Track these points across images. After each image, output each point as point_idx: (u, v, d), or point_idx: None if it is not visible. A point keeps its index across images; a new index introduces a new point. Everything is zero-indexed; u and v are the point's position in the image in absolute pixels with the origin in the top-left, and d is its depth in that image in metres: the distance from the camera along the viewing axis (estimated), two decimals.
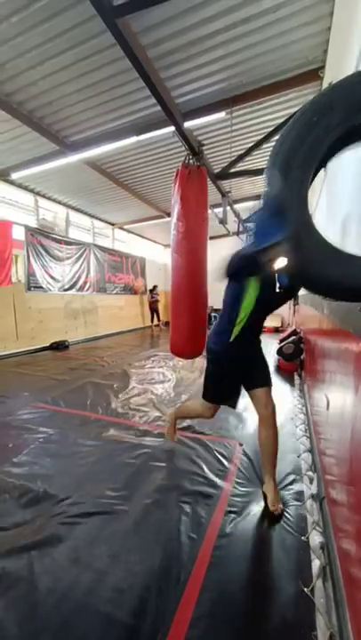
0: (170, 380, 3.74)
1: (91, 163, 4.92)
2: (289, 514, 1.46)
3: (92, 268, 7.40)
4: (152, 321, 9.52)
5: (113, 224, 8.74)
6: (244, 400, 3.04)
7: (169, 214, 2.53)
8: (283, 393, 3.37)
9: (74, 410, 2.67)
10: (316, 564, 1.17)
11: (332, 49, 2.62)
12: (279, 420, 2.56)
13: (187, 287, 2.33)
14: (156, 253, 11.01)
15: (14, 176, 5.10)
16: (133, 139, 3.88)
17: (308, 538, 1.31)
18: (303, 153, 0.84)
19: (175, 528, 1.35)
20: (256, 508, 1.50)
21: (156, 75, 2.96)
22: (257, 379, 1.66)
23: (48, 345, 5.93)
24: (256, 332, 1.63)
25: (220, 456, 1.94)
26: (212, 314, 7.44)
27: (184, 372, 4.09)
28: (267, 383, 1.65)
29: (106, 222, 8.50)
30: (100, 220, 8.25)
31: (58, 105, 3.48)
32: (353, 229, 1.24)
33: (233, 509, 1.47)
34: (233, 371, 1.66)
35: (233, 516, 1.44)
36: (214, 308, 8.59)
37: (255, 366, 1.68)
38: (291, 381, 3.83)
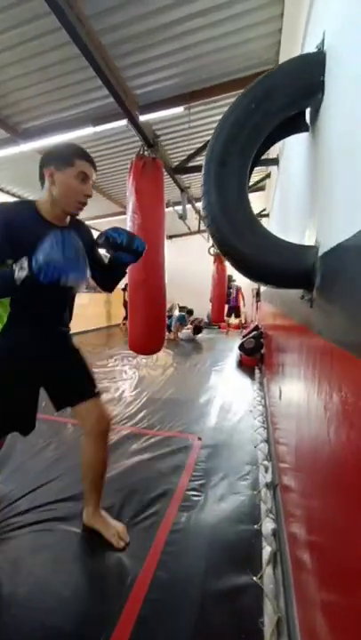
0: (131, 377, 3.67)
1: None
2: (243, 504, 1.48)
3: None
4: (126, 319, 9.38)
5: None
6: (208, 393, 3.08)
7: None
8: (243, 386, 3.44)
9: None
10: (266, 551, 1.19)
11: (283, 51, 2.69)
12: (239, 412, 2.62)
13: (144, 281, 2.28)
14: None
15: None
16: (90, 129, 3.74)
17: (260, 526, 1.33)
18: (242, 140, 0.84)
19: (127, 525, 1.30)
20: (211, 501, 1.49)
21: (110, 63, 2.87)
22: (78, 388, 1.22)
23: None
24: (44, 319, 1.14)
25: (178, 451, 1.92)
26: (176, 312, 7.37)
27: (146, 370, 4.04)
28: (92, 393, 1.23)
29: None
30: None
31: (5, 88, 3.24)
32: (298, 220, 1.26)
33: (188, 504, 1.46)
34: (16, 377, 1.09)
35: (187, 510, 1.42)
36: (180, 305, 8.64)
37: (68, 371, 1.22)
38: (251, 375, 3.92)
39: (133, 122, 2.62)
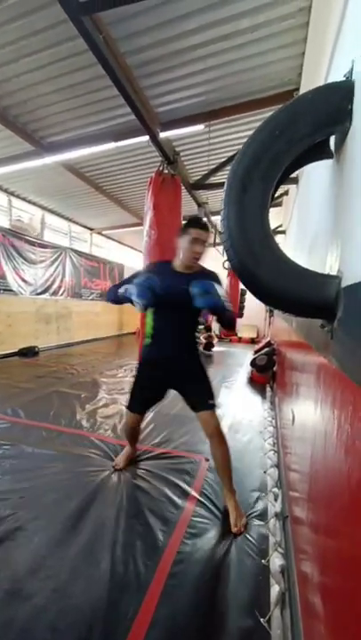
0: None
1: (68, 166, 4.82)
2: (251, 535, 1.41)
3: (67, 272, 7.21)
4: None
5: (91, 229, 8.60)
6: (218, 410, 3.01)
7: None
8: (253, 405, 3.36)
9: (35, 421, 2.51)
10: (275, 591, 1.12)
11: (305, 73, 2.72)
12: (248, 433, 2.55)
13: None
14: (135, 260, 10.94)
15: None
16: (112, 144, 3.84)
17: (268, 561, 1.26)
18: (264, 166, 0.83)
19: (128, 555, 1.25)
20: (218, 530, 1.43)
21: (134, 82, 2.96)
22: (196, 401, 1.62)
23: (17, 351, 5.65)
24: (175, 337, 1.61)
25: (184, 473, 1.87)
26: None
27: None
28: (206, 407, 1.59)
29: (84, 227, 8.35)
30: (78, 224, 8.09)
31: (34, 104, 3.38)
32: (318, 246, 1.24)
33: (193, 531, 1.40)
34: (151, 378, 1.71)
35: (193, 539, 1.36)
36: None
37: (191, 384, 1.64)
38: (262, 393, 3.84)
39: (154, 139, 2.67)
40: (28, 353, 5.71)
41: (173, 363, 1.64)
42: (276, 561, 1.24)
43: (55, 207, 6.91)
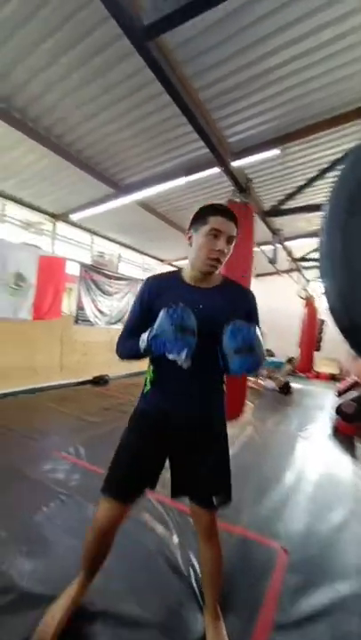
0: None
1: (143, 203, 5.07)
2: None
3: None
4: None
5: (162, 260, 8.92)
6: (295, 471, 2.49)
7: None
8: (342, 467, 2.73)
9: (94, 465, 2.39)
10: None
11: None
12: (339, 509, 2.00)
13: None
14: None
15: (73, 217, 5.46)
16: (183, 179, 3.88)
17: None
18: None
19: None
20: None
21: (207, 115, 2.93)
22: (194, 489, 1.08)
23: (90, 378, 5.91)
24: (190, 384, 1.04)
25: (254, 568, 1.45)
26: None
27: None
28: (204, 503, 1.07)
29: (156, 259, 8.71)
30: (151, 256, 8.48)
31: (113, 151, 3.63)
32: None
33: None
34: (149, 443, 1.09)
35: None
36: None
37: (198, 457, 1.07)
38: (351, 449, 3.16)
39: (226, 169, 2.54)
40: (100, 381, 5.91)
41: (183, 424, 1.07)
42: None
43: (130, 242, 7.36)
